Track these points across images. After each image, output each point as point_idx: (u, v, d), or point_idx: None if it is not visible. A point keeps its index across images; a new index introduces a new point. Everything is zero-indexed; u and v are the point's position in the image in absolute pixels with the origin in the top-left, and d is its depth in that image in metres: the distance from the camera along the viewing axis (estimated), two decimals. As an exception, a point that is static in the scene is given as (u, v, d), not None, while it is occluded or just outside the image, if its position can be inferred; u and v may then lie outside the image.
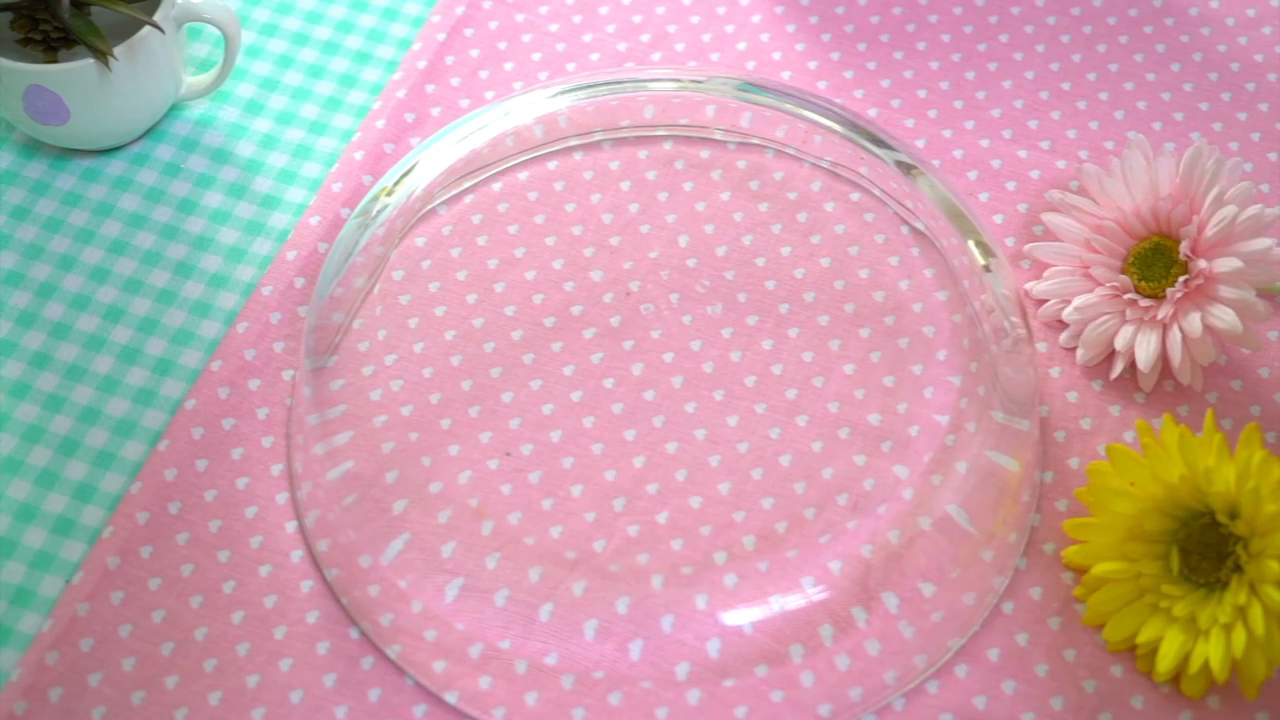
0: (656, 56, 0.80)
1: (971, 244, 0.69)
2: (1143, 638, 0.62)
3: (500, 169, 0.74)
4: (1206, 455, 0.61)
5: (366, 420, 0.67)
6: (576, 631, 0.62)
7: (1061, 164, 0.76)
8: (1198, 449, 0.61)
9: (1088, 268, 0.71)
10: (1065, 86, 0.78)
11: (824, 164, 0.73)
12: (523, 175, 0.74)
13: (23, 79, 0.72)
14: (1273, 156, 0.76)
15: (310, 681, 0.63)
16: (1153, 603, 0.62)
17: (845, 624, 0.62)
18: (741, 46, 0.80)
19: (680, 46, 0.80)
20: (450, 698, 0.62)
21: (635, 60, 0.80)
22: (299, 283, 0.72)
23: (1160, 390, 0.69)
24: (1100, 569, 0.63)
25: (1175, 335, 0.67)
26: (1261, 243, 0.67)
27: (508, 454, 0.66)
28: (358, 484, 0.65)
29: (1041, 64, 0.79)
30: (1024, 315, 0.68)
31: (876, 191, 0.73)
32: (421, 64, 0.79)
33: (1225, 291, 0.67)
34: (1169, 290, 0.68)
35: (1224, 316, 0.67)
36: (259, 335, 0.71)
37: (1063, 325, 0.71)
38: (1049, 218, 0.72)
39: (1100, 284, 0.70)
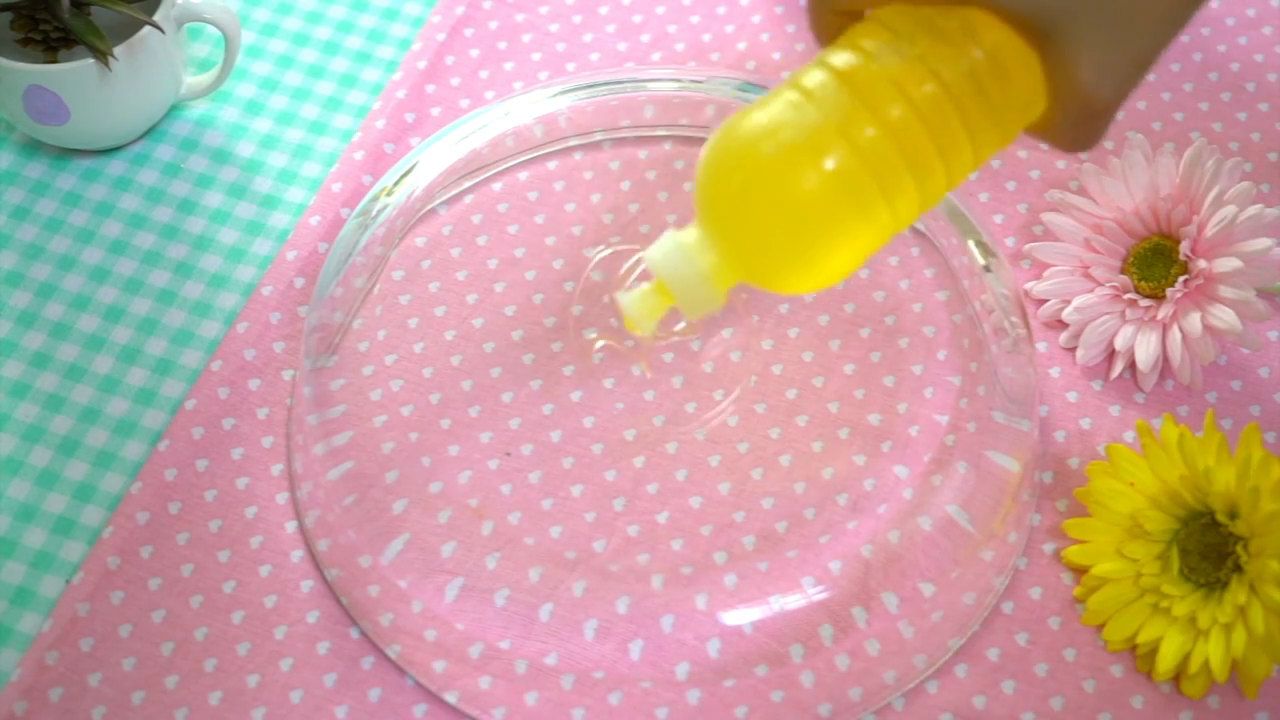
0: (656, 56, 0.80)
1: (971, 244, 0.69)
2: (1143, 638, 0.62)
3: (500, 169, 0.74)
4: (1206, 455, 0.61)
5: (366, 420, 0.67)
6: (576, 631, 0.62)
7: (1061, 164, 0.76)
8: (1198, 449, 0.62)
9: (1088, 268, 0.71)
10: (1065, 86, 0.78)
11: (824, 164, 0.73)
12: (523, 175, 0.74)
13: (23, 79, 0.72)
14: (1273, 156, 0.76)
15: (310, 681, 0.63)
16: (1153, 603, 0.62)
17: (845, 624, 0.62)
18: (742, 46, 0.80)
19: (680, 46, 0.80)
20: (450, 698, 0.62)
21: (635, 60, 0.80)
22: (299, 283, 0.72)
23: (1160, 390, 0.69)
24: (1100, 569, 0.63)
25: (1175, 335, 0.67)
26: (1261, 243, 0.67)
27: (508, 454, 0.66)
28: (358, 484, 0.65)
29: (1041, 64, 0.79)
30: (1024, 315, 0.68)
31: (876, 191, 0.73)
32: (421, 64, 0.79)
33: (1225, 291, 0.67)
34: (1169, 290, 0.68)
35: (1224, 316, 0.67)
36: (259, 335, 0.71)
37: (1063, 325, 0.71)
38: (1049, 218, 0.72)
39: (1100, 284, 0.70)
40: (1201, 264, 0.67)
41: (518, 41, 0.80)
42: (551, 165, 0.74)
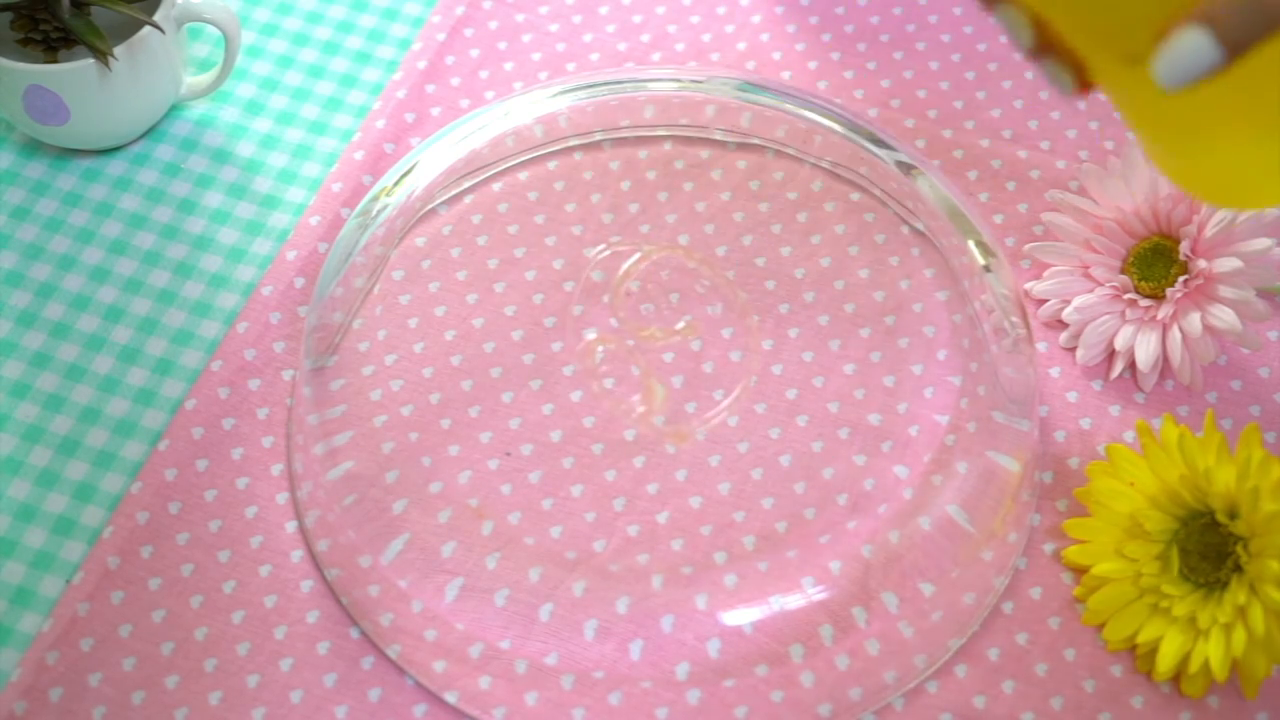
0: (656, 56, 0.80)
1: (971, 244, 0.69)
2: (1143, 638, 0.62)
3: (500, 169, 0.74)
4: (1206, 455, 0.61)
5: (366, 420, 0.67)
6: (576, 631, 0.62)
7: (1061, 164, 0.76)
8: (1198, 449, 0.61)
9: (1088, 268, 0.71)
10: (1065, 86, 0.78)
11: (824, 164, 0.73)
12: (523, 175, 0.74)
13: (23, 79, 0.72)
14: (1273, 156, 0.76)
15: (310, 681, 0.63)
16: (1153, 603, 0.62)
17: (845, 624, 0.62)
18: (741, 46, 0.80)
19: (680, 46, 0.80)
20: (450, 698, 0.62)
21: (635, 60, 0.80)
22: (299, 283, 0.72)
23: (1160, 390, 0.69)
24: (1100, 569, 0.63)
25: (1175, 335, 0.67)
26: (1261, 243, 0.67)
27: (508, 454, 0.66)
28: (358, 484, 0.65)
29: (1041, 64, 0.79)
30: (1024, 315, 0.68)
31: (876, 191, 0.73)
32: (421, 64, 0.79)
33: (1225, 291, 0.67)
34: (1169, 290, 0.68)
35: (1224, 316, 0.67)
36: (259, 335, 0.71)
37: (1063, 325, 0.71)
38: (1049, 218, 0.72)
39: (1100, 284, 0.70)
40: (1201, 264, 0.67)
41: (518, 41, 0.80)
42: (551, 165, 0.74)
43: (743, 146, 0.74)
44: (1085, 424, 0.69)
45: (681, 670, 0.61)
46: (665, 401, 0.67)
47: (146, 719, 0.62)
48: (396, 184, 0.72)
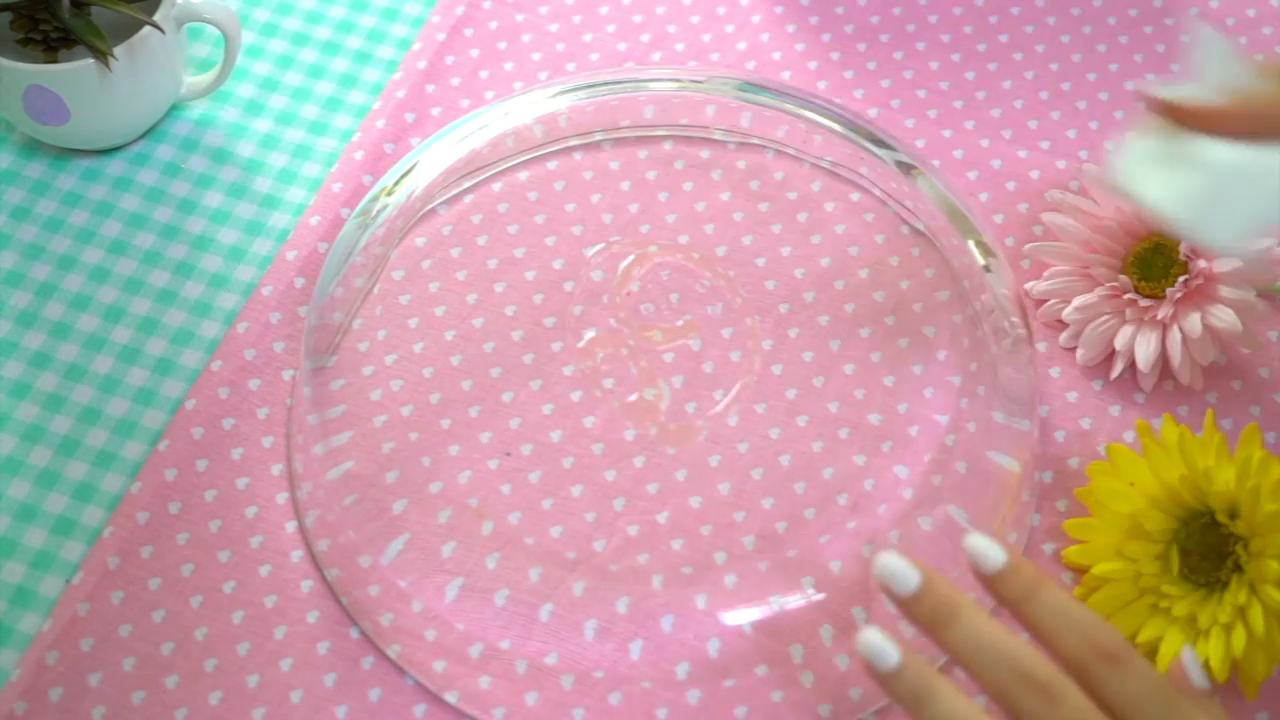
0: (656, 56, 0.80)
1: (971, 244, 0.69)
2: (1143, 638, 0.62)
3: (500, 169, 0.74)
4: (1206, 455, 0.61)
5: (366, 420, 0.67)
6: (576, 631, 0.62)
7: (1061, 164, 0.76)
8: (1198, 449, 0.61)
9: (1088, 268, 0.71)
10: (1065, 87, 0.78)
11: (824, 164, 0.73)
12: (523, 175, 0.74)
13: (23, 79, 0.72)
14: (1273, 156, 0.76)
15: (310, 681, 0.63)
16: (1153, 603, 0.62)
17: (845, 624, 0.62)
18: (741, 46, 0.80)
19: (680, 46, 0.80)
20: (450, 698, 0.62)
21: (635, 60, 0.80)
22: (299, 283, 0.72)
23: (1160, 390, 0.69)
24: (1100, 569, 0.63)
25: (1175, 335, 0.67)
26: (1261, 242, 0.67)
27: (508, 454, 0.66)
28: (358, 484, 0.65)
29: (1041, 64, 0.79)
30: (1024, 315, 0.68)
31: (876, 191, 0.73)
32: (421, 64, 0.79)
33: (1225, 291, 0.67)
34: (1169, 290, 0.68)
35: (1224, 316, 0.67)
36: (259, 335, 0.71)
37: (1063, 325, 0.71)
38: (1049, 218, 0.72)
39: (1100, 284, 0.70)
40: (1201, 264, 0.67)
41: (518, 41, 0.80)
42: (551, 165, 0.74)
43: (743, 146, 0.74)
44: (1085, 424, 0.69)
45: (681, 670, 0.61)
46: (666, 401, 0.67)
47: (146, 719, 0.62)
48: (396, 184, 0.72)
